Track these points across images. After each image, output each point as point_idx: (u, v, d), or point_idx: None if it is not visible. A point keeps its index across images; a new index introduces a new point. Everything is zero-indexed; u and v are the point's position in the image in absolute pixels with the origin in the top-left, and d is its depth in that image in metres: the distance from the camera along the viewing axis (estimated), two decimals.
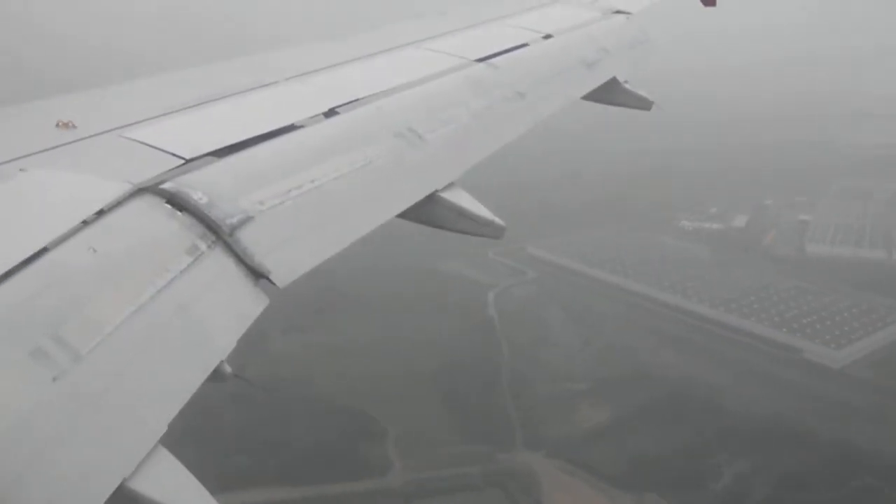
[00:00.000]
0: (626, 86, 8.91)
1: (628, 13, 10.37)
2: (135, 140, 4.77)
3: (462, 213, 5.70)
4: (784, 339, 66.69)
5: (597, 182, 78.23)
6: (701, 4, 12.66)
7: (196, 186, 4.27)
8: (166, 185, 4.21)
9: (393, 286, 57.49)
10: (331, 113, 5.79)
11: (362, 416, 46.68)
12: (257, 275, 4.12)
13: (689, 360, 58.27)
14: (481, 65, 7.39)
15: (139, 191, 4.14)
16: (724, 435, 50.11)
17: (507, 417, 49.37)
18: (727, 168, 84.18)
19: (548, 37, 8.75)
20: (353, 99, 6.03)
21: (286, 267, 4.26)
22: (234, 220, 4.19)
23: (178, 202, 4.13)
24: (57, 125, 4.81)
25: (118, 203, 4.00)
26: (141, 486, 3.04)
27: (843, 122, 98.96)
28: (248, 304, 4.03)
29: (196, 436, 40.72)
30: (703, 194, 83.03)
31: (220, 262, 4.03)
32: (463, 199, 5.72)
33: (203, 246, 4.00)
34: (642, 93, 9.02)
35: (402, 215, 5.37)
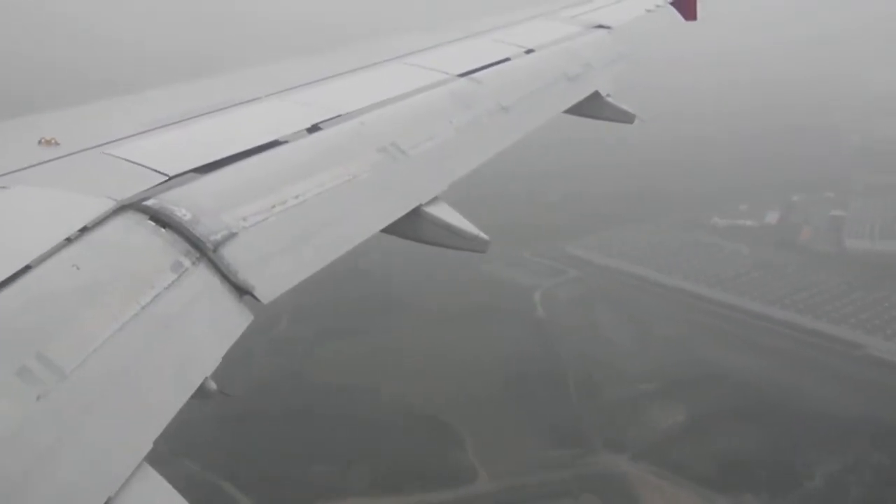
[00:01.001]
0: (609, 99, 8.97)
1: (610, 28, 10.44)
2: (118, 157, 4.77)
3: (446, 228, 5.71)
4: (845, 335, 65.19)
5: (613, 187, 77.70)
6: (682, 19, 12.77)
7: (179, 203, 4.27)
8: (150, 202, 4.21)
9: (435, 290, 56.46)
10: (314, 129, 5.80)
11: (435, 422, 45.50)
12: (241, 291, 4.12)
13: (753, 359, 57.08)
14: (464, 79, 7.42)
15: (122, 207, 4.13)
16: (806, 433, 49.01)
17: (581, 420, 48.19)
18: (740, 170, 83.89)
19: (530, 51, 8.80)
20: (337, 115, 6.04)
21: (270, 283, 4.26)
22: (218, 237, 4.19)
23: (161, 219, 4.13)
24: (40, 142, 4.80)
25: (101, 220, 4.00)
26: None
27: (850, 121, 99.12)
28: (233, 320, 4.03)
29: (283, 447, 39.87)
30: (727, 193, 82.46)
31: (204, 279, 4.02)
32: (447, 213, 5.74)
33: (187, 262, 3.99)
34: (625, 106, 9.09)
35: (387, 230, 5.38)
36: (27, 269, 3.50)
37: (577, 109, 8.59)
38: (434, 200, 5.76)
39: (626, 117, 9.13)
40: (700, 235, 77.78)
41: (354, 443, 42.91)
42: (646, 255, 71.98)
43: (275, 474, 40.08)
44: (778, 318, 65.98)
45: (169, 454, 37.46)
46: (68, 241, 3.78)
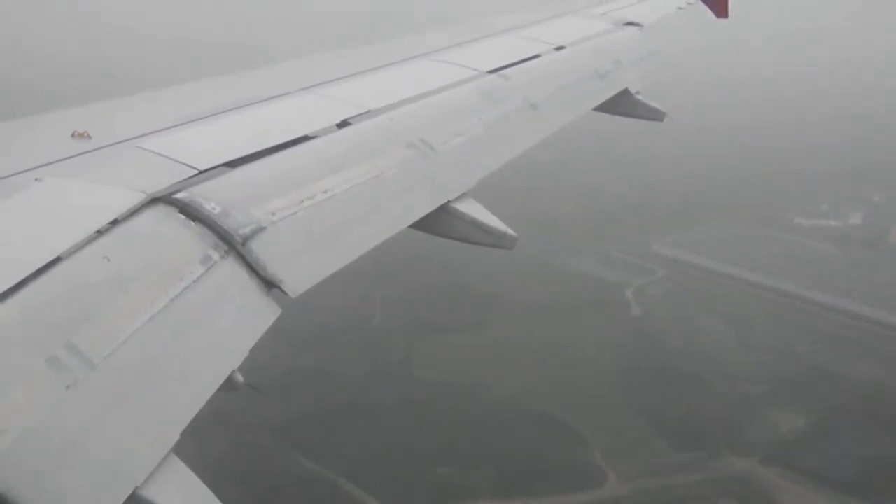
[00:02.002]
0: (639, 97, 8.92)
1: (640, 25, 10.39)
2: (149, 150, 4.80)
3: (474, 224, 5.71)
4: None
5: (681, 184, 76.07)
6: (713, 16, 12.69)
7: (209, 196, 4.29)
8: (180, 195, 4.24)
9: (522, 284, 55.17)
10: (343, 124, 5.81)
11: (554, 420, 43.45)
12: (269, 285, 4.13)
13: (864, 361, 54.56)
14: (493, 76, 7.41)
15: (153, 200, 4.16)
16: None
17: (699, 420, 46.63)
18: (803, 167, 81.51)
19: (560, 48, 8.77)
20: (366, 110, 6.05)
21: (298, 277, 4.27)
22: (247, 231, 4.21)
23: (191, 212, 4.15)
24: (72, 135, 4.84)
25: (132, 212, 4.03)
26: (152, 494, 3.04)
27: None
28: (261, 314, 4.04)
29: (402, 445, 39.26)
30: (800, 191, 79.99)
31: (232, 272, 4.04)
32: (475, 209, 5.74)
33: (216, 256, 4.01)
34: (655, 104, 9.04)
35: (415, 226, 5.38)
36: (58, 260, 3.53)
37: (607, 107, 8.56)
38: (462, 196, 5.76)
39: (656, 115, 9.07)
40: (784, 234, 75.28)
41: (475, 442, 41.23)
42: (733, 253, 68.80)
43: (398, 474, 38.80)
44: (886, 322, 61.91)
45: (283, 452, 37.59)
46: (99, 233, 3.81)
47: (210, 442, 32.91)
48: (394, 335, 48.17)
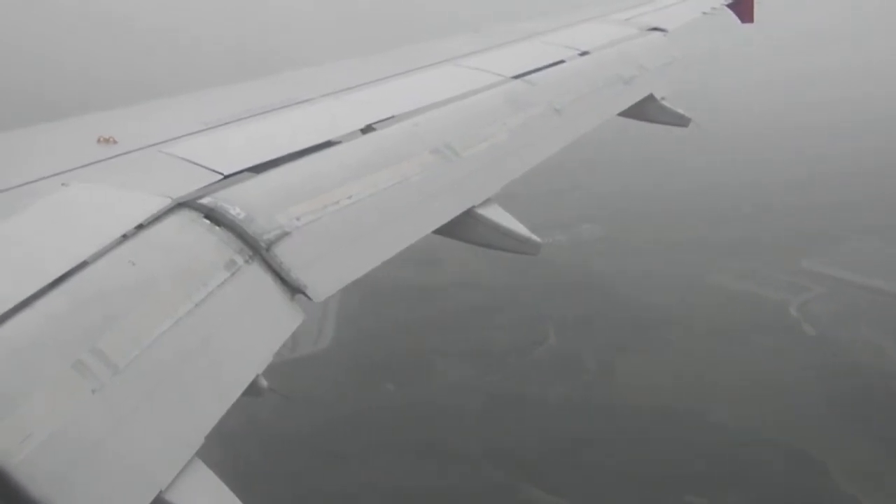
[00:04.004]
0: (664, 103, 8.89)
1: (665, 30, 10.35)
2: (174, 155, 4.82)
3: (498, 230, 5.69)
4: None
5: (799, 198, 72.54)
6: (738, 21, 12.62)
7: (234, 202, 4.30)
8: (205, 200, 4.25)
9: (673, 301, 53.40)
10: (368, 129, 5.82)
11: (783, 446, 39.45)
12: (294, 290, 4.13)
13: None
14: (518, 81, 7.39)
15: (178, 205, 4.18)
16: None
17: None
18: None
19: (584, 53, 8.75)
20: (390, 115, 6.05)
21: (323, 282, 4.27)
22: (272, 236, 4.22)
23: (216, 217, 4.16)
24: (98, 141, 4.87)
25: (157, 217, 4.04)
26: (177, 498, 3.05)
27: None
28: (285, 319, 4.05)
29: (629, 473, 36.09)
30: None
31: (257, 277, 4.05)
32: (499, 215, 5.72)
33: (240, 261, 4.02)
34: (680, 110, 9.00)
35: (439, 231, 5.37)
36: (84, 264, 3.55)
37: (632, 112, 8.53)
38: (486, 202, 5.75)
39: (680, 121, 9.04)
40: None
41: (714, 471, 37.57)
42: (889, 270, 64.28)
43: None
44: None
45: (471, 459, 35.63)
46: (125, 237, 3.82)
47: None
48: (576, 357, 45.32)
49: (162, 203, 4.15)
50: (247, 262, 4.04)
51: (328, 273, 4.37)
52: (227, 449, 34.05)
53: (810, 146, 79.12)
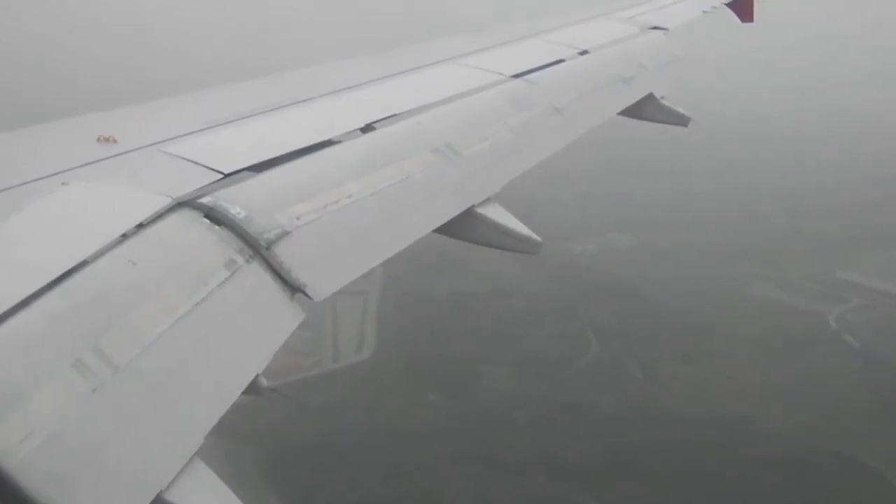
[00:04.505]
0: (664, 102, 8.88)
1: (665, 29, 10.35)
2: (174, 155, 4.82)
3: (498, 229, 5.69)
4: None
5: (825, 203, 70.45)
6: (738, 21, 12.61)
7: (234, 201, 4.30)
8: (205, 200, 4.24)
9: (718, 314, 51.66)
10: (368, 128, 5.82)
11: (848, 458, 38.57)
12: (294, 289, 4.13)
13: None
14: (518, 80, 7.39)
15: (178, 205, 4.17)
16: None
17: None
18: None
19: (584, 52, 8.75)
20: (390, 114, 6.05)
21: (322, 281, 4.27)
22: (272, 235, 4.21)
23: (216, 216, 4.16)
24: (98, 140, 4.87)
25: (157, 217, 4.04)
26: (177, 498, 3.04)
27: None
28: (285, 318, 4.05)
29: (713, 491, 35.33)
30: None
31: (257, 276, 4.05)
32: (500, 214, 5.72)
33: (240, 260, 4.02)
34: (680, 109, 9.00)
35: (439, 230, 5.37)
36: (84, 263, 3.54)
37: (632, 111, 8.53)
38: (487, 201, 5.75)
39: (680, 120, 9.04)
40: None
41: (771, 477, 36.65)
42: None
43: None
44: None
45: (528, 469, 35.14)
46: (125, 237, 3.82)
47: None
48: (622, 366, 44.41)
49: (162, 202, 4.14)
50: (247, 261, 4.04)
51: (328, 272, 4.37)
52: (274, 462, 33.98)
53: (819, 149, 78.20)
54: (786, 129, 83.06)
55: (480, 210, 5.63)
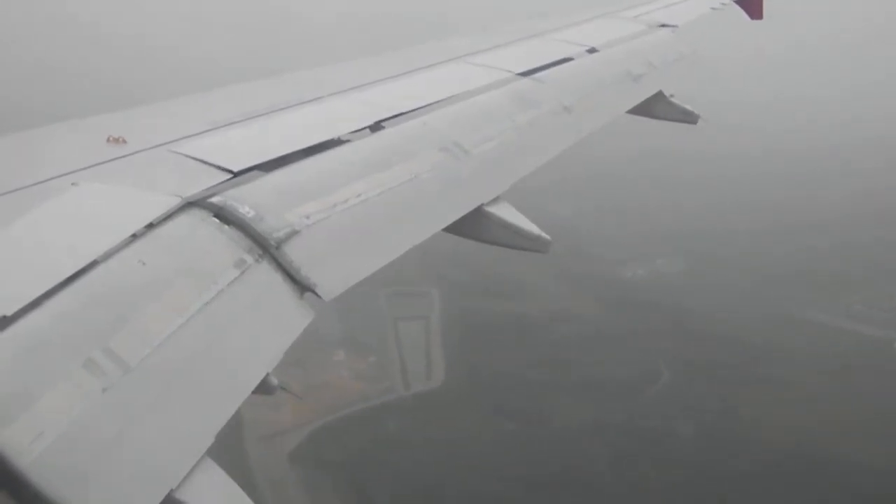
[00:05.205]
0: (673, 100, 8.87)
1: (674, 27, 10.32)
2: (183, 154, 4.83)
3: (508, 227, 5.68)
4: None
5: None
6: (747, 18, 12.58)
7: (243, 200, 4.31)
8: (214, 199, 4.25)
9: (775, 337, 48.78)
10: (376, 127, 5.82)
11: None
12: (303, 288, 4.13)
13: None
14: (526, 79, 7.39)
15: (188, 204, 4.18)
16: None
17: None
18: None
19: (592, 51, 8.74)
20: (399, 113, 6.05)
21: (332, 280, 4.27)
22: (281, 234, 4.22)
23: (225, 216, 4.17)
24: (108, 140, 4.88)
25: (167, 216, 4.05)
26: (188, 496, 3.05)
27: None
28: (295, 317, 4.05)
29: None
30: None
31: (266, 276, 4.05)
32: (509, 213, 5.71)
33: (250, 259, 4.02)
34: (688, 106, 8.98)
35: (448, 229, 5.37)
36: (95, 263, 3.56)
37: (641, 109, 8.51)
38: (496, 200, 5.74)
39: (689, 117, 9.02)
40: None
41: None
42: None
43: None
44: None
45: (619, 499, 34.62)
46: (134, 237, 3.83)
47: None
48: (695, 393, 43.31)
49: (171, 202, 4.15)
50: (256, 260, 4.05)
51: (338, 271, 4.37)
52: (359, 488, 34.11)
53: (838, 155, 76.98)
54: (800, 130, 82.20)
55: (489, 209, 5.63)
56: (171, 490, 3.03)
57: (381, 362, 44.08)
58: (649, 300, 51.66)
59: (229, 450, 35.21)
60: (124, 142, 4.90)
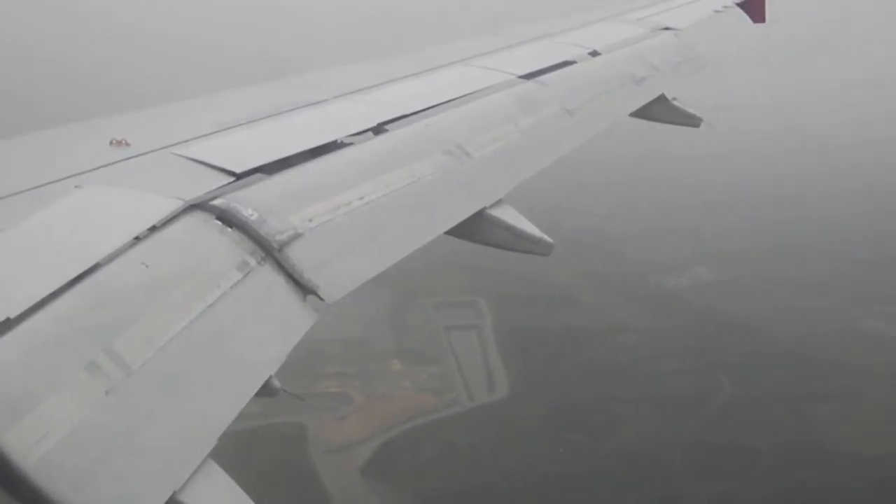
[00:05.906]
0: (675, 103, 8.87)
1: (676, 30, 10.33)
2: (186, 157, 4.84)
3: (510, 231, 5.69)
4: None
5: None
6: (750, 21, 12.58)
7: (246, 203, 4.31)
8: (217, 202, 4.26)
9: (833, 346, 46.55)
10: (379, 130, 5.83)
11: None
12: (306, 291, 4.14)
13: None
14: (529, 82, 7.39)
15: (190, 207, 4.18)
16: None
17: None
18: None
19: (595, 54, 8.74)
20: (402, 116, 6.06)
21: (335, 283, 4.28)
22: (284, 237, 4.22)
23: (228, 218, 4.17)
24: (111, 143, 4.89)
25: (170, 219, 4.05)
26: (191, 499, 3.05)
27: None
28: (297, 320, 4.05)
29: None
30: None
31: (269, 278, 4.06)
32: (511, 216, 5.72)
33: (253, 262, 4.03)
34: (691, 110, 8.99)
35: (450, 232, 5.37)
36: (97, 266, 3.56)
37: (643, 112, 8.52)
38: (498, 203, 5.75)
39: (692, 121, 9.04)
40: None
41: None
42: None
43: None
44: None
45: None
46: (137, 239, 3.83)
47: None
48: (762, 404, 42.21)
49: (174, 205, 4.16)
50: (259, 263, 4.05)
51: (340, 274, 4.37)
52: None
53: (844, 156, 76.70)
54: (801, 132, 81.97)
55: (492, 212, 5.63)
56: (175, 492, 3.03)
57: (440, 373, 43.26)
58: (697, 308, 51.05)
59: (297, 465, 35.43)
60: (127, 144, 4.90)
